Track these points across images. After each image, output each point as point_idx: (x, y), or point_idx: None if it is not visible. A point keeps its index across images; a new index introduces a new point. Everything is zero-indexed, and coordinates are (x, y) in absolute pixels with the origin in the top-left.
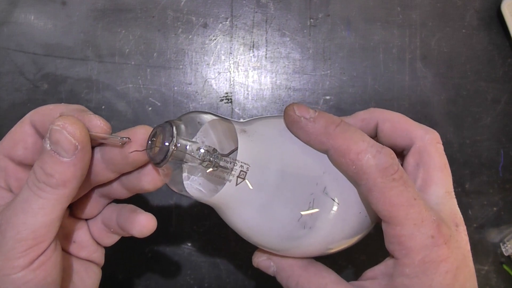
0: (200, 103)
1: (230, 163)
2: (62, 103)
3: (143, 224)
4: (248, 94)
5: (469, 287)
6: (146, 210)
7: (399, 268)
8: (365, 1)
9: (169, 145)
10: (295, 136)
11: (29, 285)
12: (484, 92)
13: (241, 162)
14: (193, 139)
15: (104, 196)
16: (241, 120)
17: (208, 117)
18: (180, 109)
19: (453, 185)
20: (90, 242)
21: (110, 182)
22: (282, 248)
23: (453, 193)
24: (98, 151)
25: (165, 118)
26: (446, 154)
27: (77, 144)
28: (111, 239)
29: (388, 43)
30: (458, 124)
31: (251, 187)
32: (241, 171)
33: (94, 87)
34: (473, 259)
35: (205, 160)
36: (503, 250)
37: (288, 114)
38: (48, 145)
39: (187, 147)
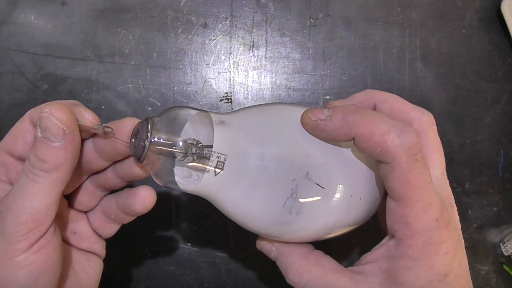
0: (200, 103)
1: (206, 154)
2: (58, 101)
3: (144, 195)
4: (248, 94)
5: (464, 266)
6: None
7: (402, 250)
8: (365, 1)
9: (144, 141)
10: (320, 139)
11: (31, 268)
12: (484, 92)
13: (217, 153)
14: (177, 134)
15: (100, 187)
16: (226, 112)
17: (188, 112)
18: None
19: (453, 185)
20: (90, 233)
21: (104, 170)
22: (274, 234)
23: (446, 174)
24: (90, 141)
25: None
26: (446, 154)
27: (64, 128)
28: (110, 229)
29: (388, 43)
30: (458, 124)
31: (229, 177)
32: (218, 161)
33: (94, 87)
34: (473, 259)
35: (184, 153)
36: (503, 250)
37: (305, 123)
38: (39, 133)
39: (165, 141)
